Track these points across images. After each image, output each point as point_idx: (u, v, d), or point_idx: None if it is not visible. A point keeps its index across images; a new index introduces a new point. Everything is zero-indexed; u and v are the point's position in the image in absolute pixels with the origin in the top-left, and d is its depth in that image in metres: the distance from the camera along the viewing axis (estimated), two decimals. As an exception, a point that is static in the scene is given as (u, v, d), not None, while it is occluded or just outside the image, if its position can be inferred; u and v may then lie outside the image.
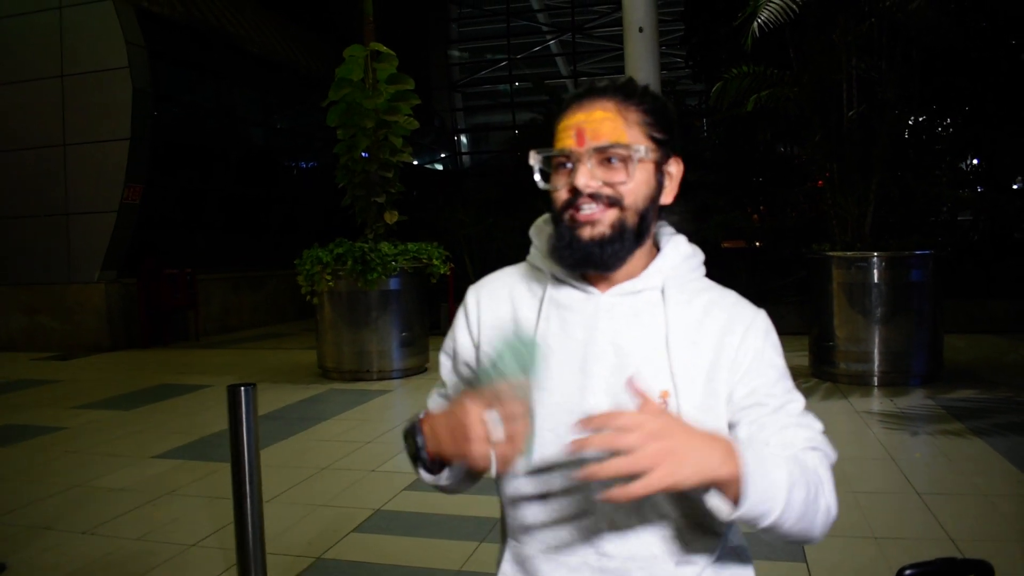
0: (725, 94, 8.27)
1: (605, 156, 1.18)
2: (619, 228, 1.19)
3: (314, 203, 15.99)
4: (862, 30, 7.30)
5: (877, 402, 6.51)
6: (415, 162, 18.03)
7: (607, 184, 1.19)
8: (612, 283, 1.26)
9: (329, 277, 8.08)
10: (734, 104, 8.39)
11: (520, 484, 1.28)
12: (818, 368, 7.52)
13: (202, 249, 13.42)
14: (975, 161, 13.21)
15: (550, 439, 1.22)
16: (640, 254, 1.25)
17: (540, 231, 1.35)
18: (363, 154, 8.48)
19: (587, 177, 1.18)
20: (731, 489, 1.02)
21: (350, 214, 8.77)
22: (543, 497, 1.27)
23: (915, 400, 6.47)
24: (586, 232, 1.20)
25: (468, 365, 1.36)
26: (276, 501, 4.40)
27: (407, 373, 8.37)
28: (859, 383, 7.09)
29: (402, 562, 3.55)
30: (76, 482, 4.95)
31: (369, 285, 7.99)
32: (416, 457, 1.21)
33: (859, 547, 3.53)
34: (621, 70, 8.80)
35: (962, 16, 8.50)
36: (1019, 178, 13.49)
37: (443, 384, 1.43)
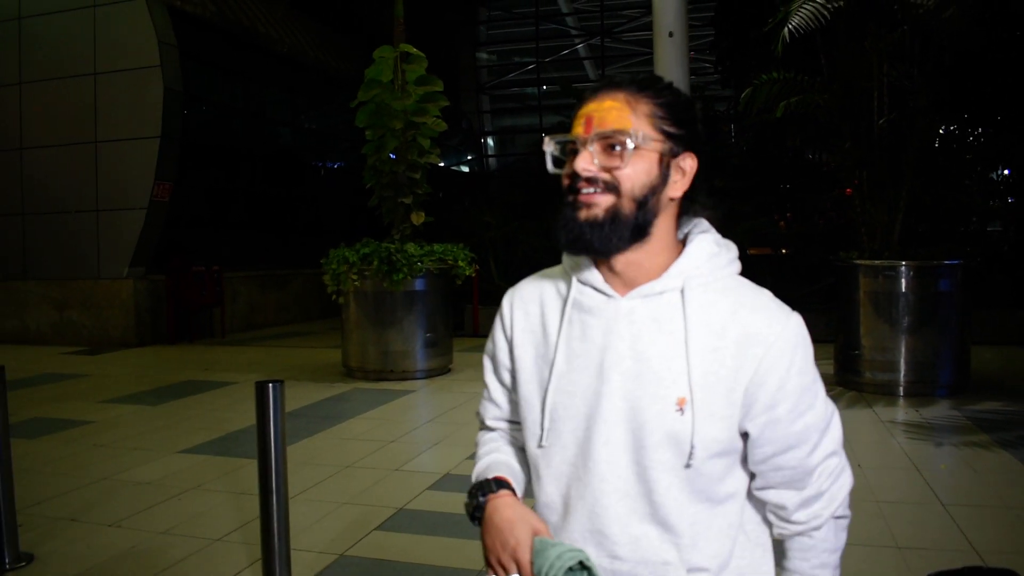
0: (754, 100, 8.23)
1: (608, 143, 1.20)
2: (613, 213, 1.19)
3: (341, 203, 16.09)
4: (894, 37, 7.24)
5: (902, 412, 6.45)
6: (442, 163, 18.09)
7: (605, 169, 1.20)
8: (632, 286, 1.25)
9: (355, 277, 8.12)
10: (763, 110, 8.36)
11: (547, 478, 1.32)
12: (843, 376, 7.47)
13: (229, 247, 13.54)
14: (1006, 172, 13.07)
15: (569, 442, 1.26)
16: (659, 252, 1.25)
17: None
18: (391, 155, 8.53)
19: (586, 161, 1.20)
20: None
21: (377, 214, 8.83)
22: (560, 498, 1.30)
23: (941, 411, 6.41)
24: (582, 213, 1.21)
25: (506, 367, 1.40)
26: (300, 498, 4.44)
27: (431, 374, 8.40)
28: (884, 392, 7.03)
29: (424, 561, 3.56)
30: (103, 475, 5.01)
31: (395, 285, 8.03)
32: (470, 511, 1.32)
33: (882, 556, 3.51)
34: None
35: (995, 25, 8.41)
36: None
37: (487, 387, 1.47)
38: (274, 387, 3.00)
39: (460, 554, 3.59)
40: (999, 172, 13.02)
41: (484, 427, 1.50)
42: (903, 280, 7.00)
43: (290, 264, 14.81)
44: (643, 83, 1.24)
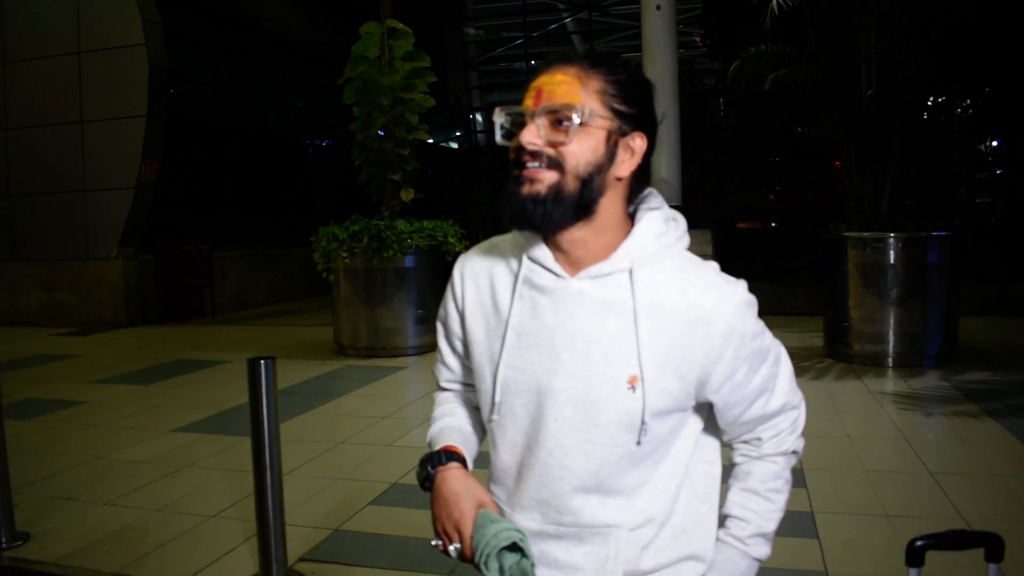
0: (743, 73, 8.23)
1: (555, 117, 1.18)
2: (555, 190, 1.18)
3: (330, 180, 16.03)
4: (881, 9, 7.23)
5: (891, 383, 6.51)
6: (430, 140, 18.02)
7: (551, 144, 1.19)
8: (580, 266, 1.25)
9: (345, 254, 8.12)
10: (751, 83, 8.35)
11: (502, 444, 1.35)
12: (832, 348, 7.52)
13: (218, 226, 13.48)
14: (994, 143, 13.09)
15: (522, 415, 1.28)
16: (606, 231, 1.24)
17: None
18: (379, 132, 8.50)
19: (531, 134, 1.19)
20: None
21: (366, 191, 8.81)
22: (515, 465, 1.33)
23: (929, 381, 6.47)
24: (524, 188, 1.20)
25: (457, 336, 1.43)
26: (294, 474, 4.46)
27: (422, 350, 8.42)
28: (874, 364, 7.09)
29: (418, 534, 3.59)
30: (96, 455, 5.02)
31: (385, 262, 8.02)
32: (421, 480, 1.36)
33: (871, 524, 3.56)
34: (638, 48, 8.75)
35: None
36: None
37: (440, 351, 1.50)
38: (266, 364, 3.01)
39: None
40: (987, 144, 13.04)
41: (439, 388, 1.54)
42: (891, 252, 7.04)
43: (280, 243, 14.77)
44: (597, 59, 1.23)
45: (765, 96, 8.98)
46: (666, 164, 8.26)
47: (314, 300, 14.39)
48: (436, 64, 8.89)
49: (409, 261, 8.23)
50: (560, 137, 1.18)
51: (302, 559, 3.38)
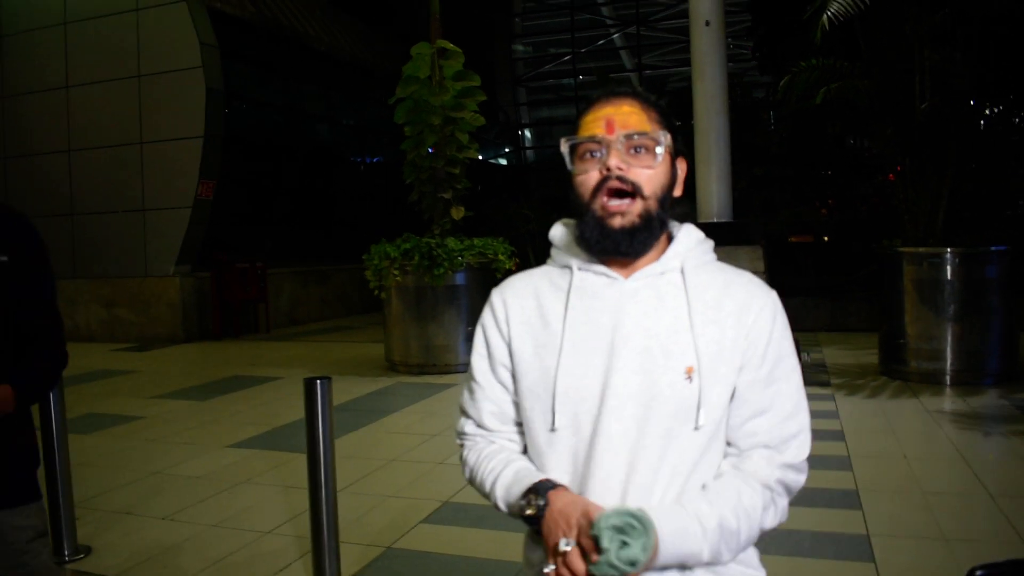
0: (793, 87, 8.16)
1: (633, 144, 1.28)
2: (646, 217, 1.28)
3: (380, 198, 16.22)
4: (935, 20, 7.13)
5: (949, 401, 6.38)
6: (480, 157, 18.14)
7: (634, 169, 1.28)
8: (633, 269, 1.33)
9: (397, 272, 8.21)
10: (802, 97, 8.27)
11: (555, 461, 1.33)
12: (888, 366, 7.39)
13: (271, 243, 13.75)
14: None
15: (584, 421, 1.29)
16: (659, 242, 1.34)
17: (560, 231, 1.43)
18: (430, 150, 8.59)
19: (618, 159, 1.27)
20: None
21: (417, 209, 8.90)
22: (573, 482, 1.32)
23: (988, 400, 6.32)
24: (616, 221, 1.28)
25: (503, 364, 1.41)
26: (347, 491, 4.51)
27: (472, 367, 8.44)
28: (930, 382, 6.94)
29: (470, 553, 3.61)
30: (155, 469, 5.14)
31: (436, 280, 8.09)
32: (529, 512, 1.27)
33: (929, 548, 3.49)
34: (686, 63, 8.74)
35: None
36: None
37: (480, 385, 1.44)
38: (322, 384, 3.06)
39: (506, 547, 3.63)
40: (1048, 154, 12.72)
41: (477, 430, 1.45)
42: (948, 267, 6.91)
43: (331, 259, 14.98)
44: (644, 94, 1.35)
45: (816, 109, 8.87)
46: (716, 179, 8.21)
47: (365, 316, 14.55)
48: (485, 81, 8.98)
49: (459, 278, 8.29)
50: (646, 162, 1.28)
51: (356, 576, 3.42)
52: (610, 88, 1.36)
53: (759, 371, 1.29)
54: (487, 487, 1.38)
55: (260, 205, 14.04)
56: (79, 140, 12.46)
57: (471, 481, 1.44)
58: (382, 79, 14.77)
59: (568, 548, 1.17)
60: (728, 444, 1.32)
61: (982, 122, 9.19)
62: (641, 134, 1.28)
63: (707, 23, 8.20)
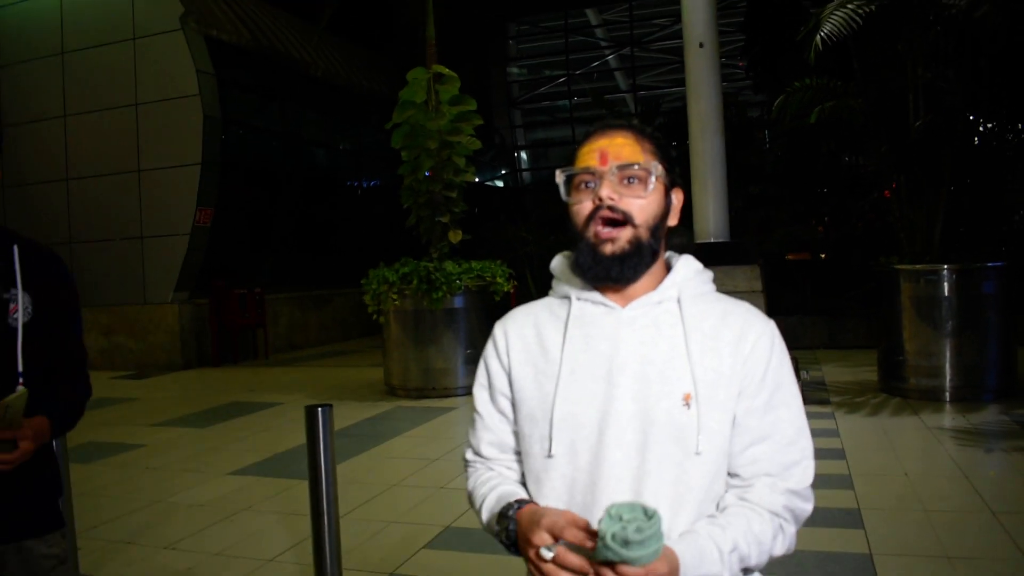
0: (788, 106, 8.23)
1: (625, 175, 1.32)
2: (636, 244, 1.32)
3: (378, 222, 16.25)
4: (928, 39, 7.20)
5: (949, 418, 6.38)
6: (476, 179, 18.20)
7: (626, 199, 1.31)
8: (631, 298, 1.36)
9: (395, 296, 8.22)
10: (797, 116, 8.34)
11: (549, 488, 1.34)
12: (887, 383, 7.40)
13: (269, 269, 13.77)
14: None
15: (582, 448, 1.31)
16: (654, 271, 1.37)
17: (559, 262, 1.48)
18: (427, 174, 8.63)
19: (610, 190, 1.31)
20: None
21: (414, 234, 8.93)
22: (569, 499, 1.32)
23: (989, 416, 6.32)
24: (607, 248, 1.32)
25: (503, 394, 1.43)
26: (349, 517, 4.50)
27: (471, 390, 8.42)
28: (930, 398, 6.94)
29: (473, 578, 3.61)
30: (157, 498, 5.13)
31: (434, 304, 8.11)
32: (503, 535, 1.31)
33: (932, 567, 3.48)
34: (681, 83, 8.81)
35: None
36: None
37: (480, 415, 1.47)
38: (323, 411, 3.07)
39: (508, 572, 3.62)
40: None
41: (476, 458, 1.48)
42: (945, 284, 6.93)
43: (329, 284, 15.00)
44: (639, 126, 1.39)
45: (811, 128, 8.94)
46: (712, 199, 8.23)
47: (363, 340, 14.55)
48: (480, 104, 9.03)
49: (458, 302, 8.31)
50: (637, 191, 1.32)
51: (359, 603, 3.41)
52: (606, 121, 1.41)
53: (757, 398, 1.31)
54: (477, 508, 1.42)
55: (258, 231, 14.06)
56: (77, 168, 12.50)
57: (472, 507, 1.46)
58: (379, 104, 14.83)
59: (551, 553, 1.16)
60: (731, 475, 1.32)
61: (976, 138, 9.25)
62: (633, 165, 1.32)
63: (701, 45, 8.25)
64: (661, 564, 1.10)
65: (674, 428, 1.27)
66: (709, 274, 1.43)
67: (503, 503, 1.33)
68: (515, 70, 25.32)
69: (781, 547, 1.30)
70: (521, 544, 1.24)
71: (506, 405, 1.43)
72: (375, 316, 8.56)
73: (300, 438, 3.15)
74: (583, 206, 1.34)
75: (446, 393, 8.32)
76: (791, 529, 1.31)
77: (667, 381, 1.29)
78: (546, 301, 1.47)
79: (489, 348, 1.47)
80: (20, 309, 1.88)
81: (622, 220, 1.31)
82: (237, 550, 4.13)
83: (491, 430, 1.44)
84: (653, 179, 1.33)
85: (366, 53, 17.79)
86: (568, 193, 1.37)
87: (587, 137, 1.38)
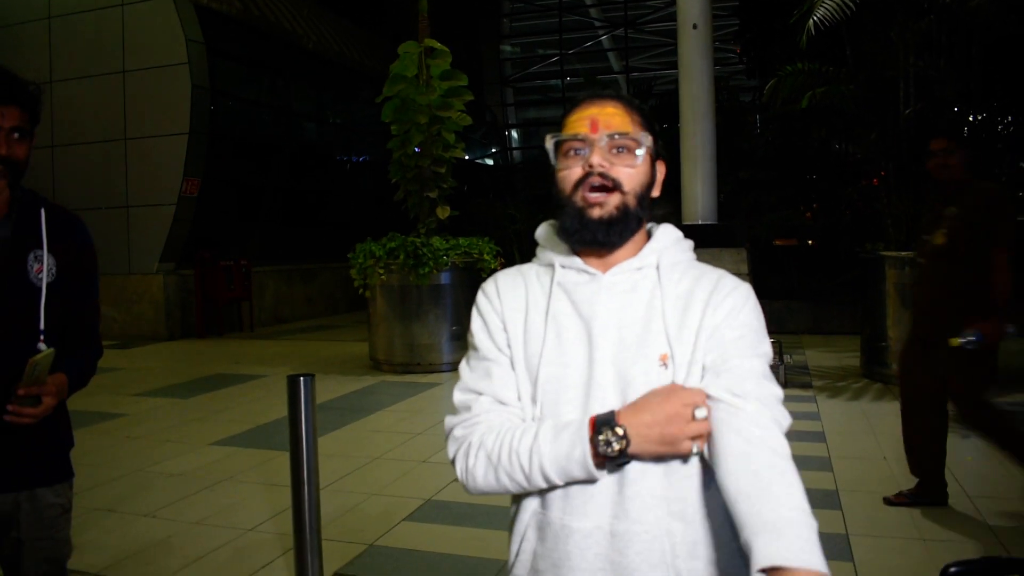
0: (779, 91, 8.22)
1: (615, 144, 1.34)
2: (623, 210, 1.33)
3: (366, 197, 16.19)
4: (921, 27, 7.19)
5: (930, 404, 6.42)
6: (466, 157, 18.13)
7: (616, 167, 1.33)
8: (611, 264, 1.38)
9: (382, 271, 8.20)
10: (788, 101, 8.33)
11: None
12: (870, 369, 7.44)
13: (256, 242, 13.69)
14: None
15: (568, 411, 1.31)
16: (636, 239, 1.39)
17: (544, 230, 1.47)
18: (416, 149, 8.59)
19: (600, 158, 1.33)
20: None
21: (402, 209, 8.90)
22: None
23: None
24: (595, 212, 1.33)
25: (505, 342, 1.39)
26: (330, 489, 4.51)
27: (456, 366, 8.39)
28: (912, 385, 6.98)
29: (452, 551, 3.62)
30: (137, 467, 5.12)
31: (421, 279, 8.10)
32: (612, 449, 1.21)
33: (906, 548, 3.52)
34: (674, 66, 8.77)
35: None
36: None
37: (491, 360, 1.38)
38: (305, 381, 3.06)
39: (487, 544, 3.65)
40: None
41: (494, 405, 1.36)
42: (930, 271, 6.95)
43: (316, 258, 14.94)
44: (627, 97, 1.40)
45: (802, 114, 8.94)
46: (701, 181, 8.25)
47: (350, 315, 14.53)
48: (472, 81, 8.98)
49: (445, 278, 8.29)
50: (627, 160, 1.34)
51: (337, 574, 3.42)
52: (595, 90, 1.41)
53: (727, 335, 1.29)
54: (524, 458, 1.25)
55: (245, 203, 13.98)
56: (62, 136, 12.35)
57: (491, 467, 1.29)
58: (370, 78, 14.76)
59: (704, 411, 1.21)
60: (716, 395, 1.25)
61: (966, 128, 9.28)
62: (623, 135, 1.33)
63: (695, 26, 8.24)
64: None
65: (650, 388, 1.27)
66: (689, 243, 1.44)
67: (583, 425, 1.24)
68: (508, 48, 25.21)
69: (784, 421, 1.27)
70: (654, 429, 1.20)
71: (508, 351, 1.39)
72: (361, 290, 8.54)
73: (283, 410, 3.14)
74: (572, 172, 1.35)
75: (431, 368, 8.33)
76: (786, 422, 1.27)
77: (644, 343, 1.30)
78: (531, 266, 1.47)
79: (483, 301, 1.44)
80: (44, 269, 1.99)
81: (611, 186, 1.32)
82: (217, 519, 4.13)
83: (507, 371, 1.37)
84: (642, 151, 1.35)
85: (359, 27, 17.67)
86: (556, 159, 1.38)
87: (576, 105, 1.38)
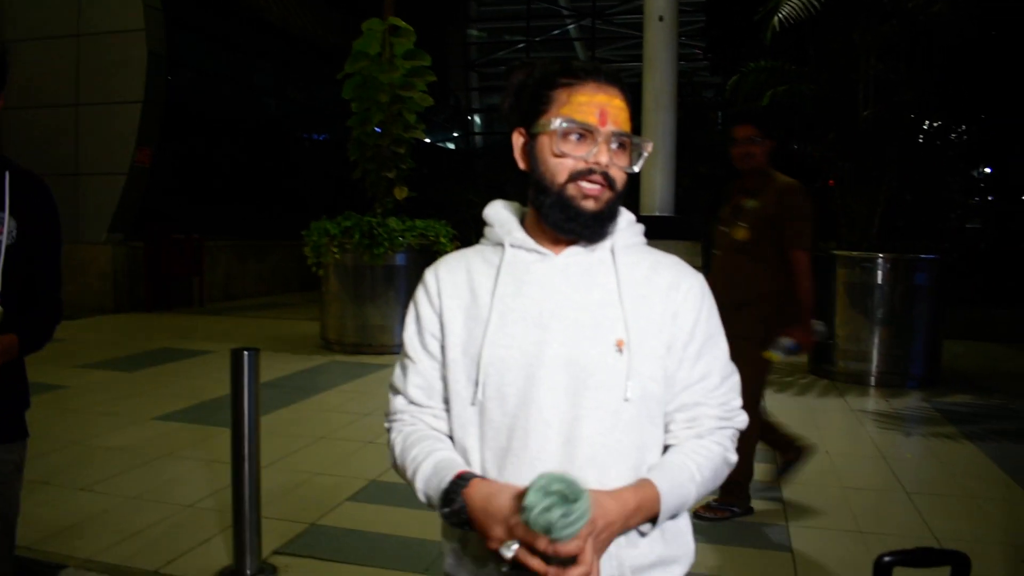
0: (741, 88, 8.28)
1: (619, 142, 1.30)
2: (611, 207, 1.32)
3: (324, 175, 16.00)
4: (883, 31, 7.27)
5: (873, 402, 6.54)
6: (427, 139, 18.01)
7: (613, 166, 1.31)
8: (563, 246, 1.35)
9: (336, 250, 8.12)
10: (750, 98, 8.39)
11: (476, 434, 1.33)
12: (817, 365, 7.55)
13: (210, 216, 13.44)
14: (988, 170, 13.18)
15: (509, 392, 1.29)
16: None
17: (497, 210, 1.45)
18: (376, 128, 8.50)
19: (607, 157, 1.29)
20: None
21: (360, 188, 8.80)
22: (494, 454, 1.31)
23: (911, 402, 6.51)
24: (590, 204, 1.30)
25: (434, 335, 1.39)
26: (273, 467, 4.44)
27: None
28: (856, 382, 7.11)
29: (395, 532, 3.59)
30: (75, 440, 5.00)
31: (375, 260, 8.02)
32: (453, 517, 1.25)
33: (844, 540, 3.58)
34: (639, 58, 8.78)
35: (985, 22, 8.46)
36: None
37: (411, 359, 1.40)
38: (249, 355, 3.00)
39: (431, 526, 3.60)
40: (980, 170, 13.12)
41: (403, 406, 1.41)
42: (879, 272, 7.08)
43: (270, 235, 14.73)
44: (623, 81, 1.35)
45: (763, 112, 9.00)
46: (660, 173, 8.29)
47: (302, 294, 14.35)
48: (437, 64, 8.89)
49: (399, 259, 8.23)
50: (623, 161, 1.32)
51: (277, 552, 3.36)
52: (599, 67, 1.34)
53: (688, 348, 1.33)
54: (408, 476, 1.35)
55: (200, 176, 13.70)
56: (11, 99, 11.84)
57: (396, 467, 1.40)
58: (332, 54, 14.52)
59: (512, 551, 1.13)
60: (672, 423, 1.35)
61: (921, 135, 9.42)
62: (628, 135, 1.31)
63: (661, 18, 8.26)
64: (598, 519, 1.13)
65: (605, 374, 1.27)
66: (640, 227, 1.43)
67: (444, 479, 1.26)
68: (474, 32, 25.07)
69: (723, 478, 1.36)
70: (478, 530, 1.21)
71: (436, 347, 1.38)
72: (314, 268, 8.44)
73: (228, 387, 3.08)
74: (570, 161, 1.29)
75: (382, 350, 8.26)
76: (733, 458, 1.36)
77: (599, 327, 1.29)
78: (478, 248, 1.45)
79: (420, 292, 1.43)
80: (5, 232, 2.00)
81: (607, 182, 1.30)
82: (155, 494, 4.05)
83: (421, 374, 1.39)
84: (646, 152, 1.35)
85: (322, 3, 17.41)
86: (555, 140, 1.30)
87: (581, 81, 1.31)
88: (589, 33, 23.64)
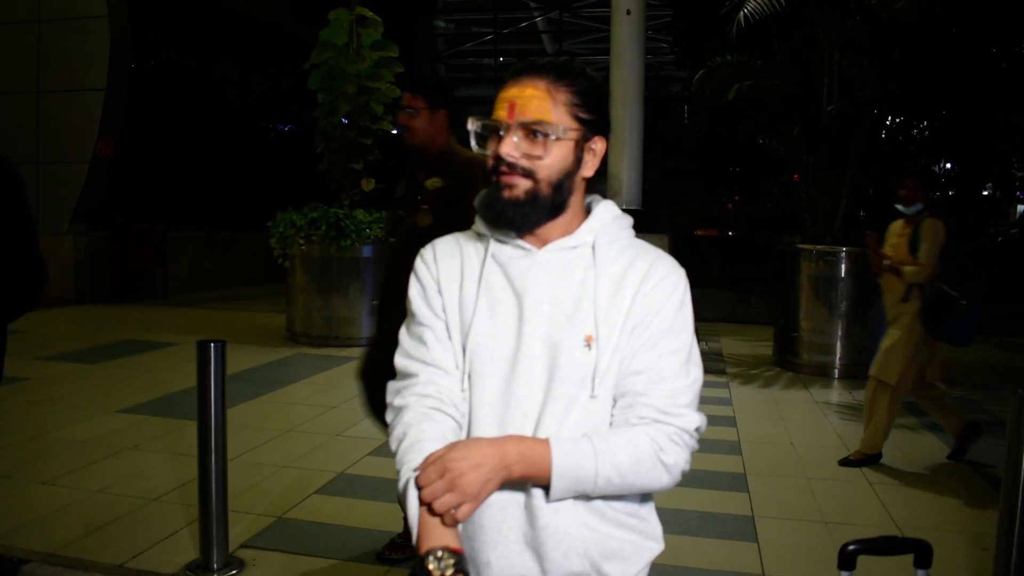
0: (708, 82, 8.33)
1: (530, 130, 1.30)
2: (532, 195, 1.31)
3: (290, 166, 15.86)
4: (846, 27, 7.36)
5: (836, 393, 6.64)
6: (395, 131, 17.88)
7: (525, 156, 1.31)
8: (546, 242, 1.37)
9: (302, 241, 8.06)
10: (716, 92, 8.44)
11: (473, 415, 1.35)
12: (782, 357, 7.64)
13: (174, 207, 13.28)
14: (948, 165, 13.39)
15: (492, 382, 1.33)
16: (571, 218, 1.37)
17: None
18: (343, 119, 8.43)
19: (510, 147, 1.31)
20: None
21: (326, 179, 8.73)
22: (476, 432, 1.33)
23: (874, 394, 6.60)
24: (505, 193, 1.32)
25: (439, 304, 1.40)
26: (240, 460, 4.42)
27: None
28: (820, 374, 7.21)
29: (361, 525, 3.59)
30: (36, 433, 4.93)
31: (342, 251, 7.98)
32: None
33: (809, 530, 3.63)
34: (607, 52, 8.78)
35: (947, 19, 8.57)
36: (989, 184, 13.72)
37: (429, 328, 1.39)
38: (216, 347, 2.98)
39: (397, 519, 3.61)
40: (941, 165, 13.32)
41: (430, 373, 1.36)
42: (842, 265, 7.17)
43: (236, 227, 14.59)
44: (562, 70, 1.33)
45: (729, 106, 9.06)
46: (627, 166, 8.30)
47: (268, 287, 14.22)
48: (404, 55, 8.83)
49: (367, 251, 8.19)
50: (536, 151, 1.30)
51: (244, 545, 3.35)
52: (526, 62, 1.36)
53: (642, 336, 1.30)
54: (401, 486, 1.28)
55: (164, 166, 13.52)
56: (-31, 85, 11.76)
57: (396, 451, 1.33)
58: (298, 44, 14.37)
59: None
60: (616, 400, 1.32)
61: (884, 130, 9.55)
62: (537, 122, 1.29)
63: (628, 12, 8.26)
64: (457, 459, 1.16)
65: (575, 368, 1.29)
66: (628, 220, 1.43)
67: (405, 462, 1.27)
68: (442, 24, 24.94)
69: (657, 479, 1.27)
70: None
71: (441, 311, 1.39)
72: (280, 260, 8.38)
73: (193, 379, 3.05)
74: (487, 157, 1.34)
75: (349, 343, 8.22)
76: (670, 460, 1.26)
77: (573, 322, 1.31)
78: (468, 234, 1.46)
79: (420, 267, 1.44)
80: None
81: (522, 172, 1.30)
82: (120, 488, 4.01)
83: (443, 343, 1.38)
84: (553, 139, 1.30)
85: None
86: (485, 140, 1.36)
87: (505, 82, 1.35)
88: (557, 26, 23.59)
